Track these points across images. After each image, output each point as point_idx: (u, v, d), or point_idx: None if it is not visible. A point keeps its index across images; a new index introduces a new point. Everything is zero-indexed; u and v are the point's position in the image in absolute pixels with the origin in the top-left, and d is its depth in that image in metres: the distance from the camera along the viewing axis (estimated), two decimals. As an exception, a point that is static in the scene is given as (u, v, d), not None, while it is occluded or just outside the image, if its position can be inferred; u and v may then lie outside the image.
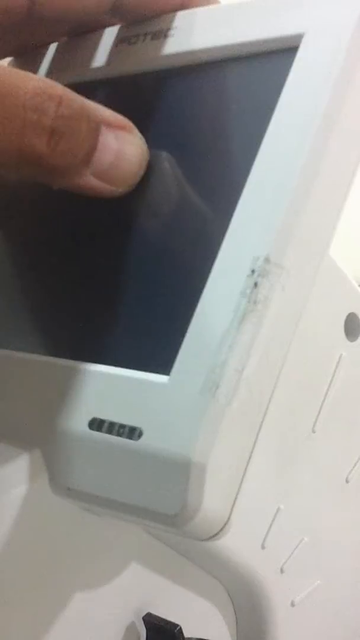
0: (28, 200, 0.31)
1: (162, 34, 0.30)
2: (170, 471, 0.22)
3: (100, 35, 0.32)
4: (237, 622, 0.31)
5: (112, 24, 0.32)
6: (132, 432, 0.23)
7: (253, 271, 0.23)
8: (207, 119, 0.28)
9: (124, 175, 0.27)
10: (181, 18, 0.29)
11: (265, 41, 0.27)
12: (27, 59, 0.34)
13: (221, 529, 0.23)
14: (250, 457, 0.23)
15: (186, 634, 0.27)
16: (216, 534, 0.23)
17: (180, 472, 0.22)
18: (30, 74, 0.25)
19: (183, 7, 0.30)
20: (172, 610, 0.28)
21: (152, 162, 0.28)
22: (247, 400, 0.23)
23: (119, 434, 0.23)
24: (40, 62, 0.34)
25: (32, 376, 0.26)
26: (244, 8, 0.28)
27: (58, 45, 0.34)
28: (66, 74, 0.33)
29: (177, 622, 0.27)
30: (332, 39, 0.25)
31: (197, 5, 0.30)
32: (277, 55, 0.26)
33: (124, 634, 0.28)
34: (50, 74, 0.33)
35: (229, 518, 0.23)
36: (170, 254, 0.26)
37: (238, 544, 0.26)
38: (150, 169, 0.28)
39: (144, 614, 0.28)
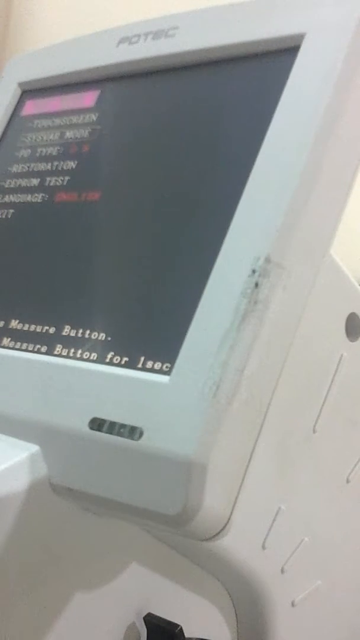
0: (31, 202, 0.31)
1: (163, 34, 0.30)
2: (171, 471, 0.22)
3: (101, 35, 0.32)
4: (237, 622, 0.31)
5: None
6: (133, 432, 0.23)
7: (254, 271, 0.23)
8: (209, 118, 0.28)
9: None
10: (182, 18, 0.29)
11: (267, 41, 0.27)
12: (28, 59, 0.34)
13: (222, 529, 0.23)
14: (251, 457, 0.23)
15: (187, 634, 0.27)
16: (217, 534, 0.23)
17: (181, 473, 0.22)
18: None
19: None
20: (173, 611, 0.28)
21: (154, 162, 0.28)
22: (248, 400, 0.23)
23: (119, 434, 0.23)
24: (41, 62, 0.34)
25: (33, 376, 0.26)
26: (245, 8, 0.28)
27: (59, 45, 0.34)
28: (67, 73, 0.33)
29: (177, 622, 0.27)
30: (333, 38, 0.25)
31: None
32: (279, 55, 0.26)
33: (124, 633, 0.28)
34: (51, 74, 0.33)
35: (229, 518, 0.23)
36: (171, 254, 0.26)
37: (239, 544, 0.26)
38: (152, 168, 0.28)
39: (144, 614, 0.28)
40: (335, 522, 0.30)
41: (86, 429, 0.24)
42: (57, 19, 0.76)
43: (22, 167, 0.32)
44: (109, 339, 0.26)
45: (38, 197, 0.31)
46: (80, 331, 0.27)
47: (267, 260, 0.23)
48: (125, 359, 0.25)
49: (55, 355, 0.27)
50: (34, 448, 0.25)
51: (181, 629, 0.27)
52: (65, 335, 0.27)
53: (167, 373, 0.23)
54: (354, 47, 0.24)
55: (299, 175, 0.23)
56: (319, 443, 0.28)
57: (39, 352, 0.27)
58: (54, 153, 0.31)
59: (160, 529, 0.24)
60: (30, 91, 0.34)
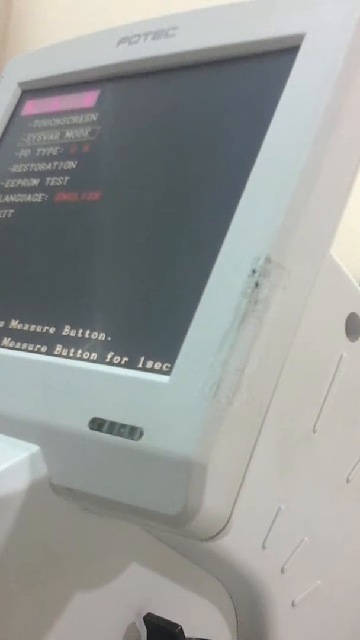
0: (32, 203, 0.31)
1: (163, 34, 0.30)
2: (171, 471, 0.22)
3: (101, 35, 0.32)
4: (237, 622, 0.31)
5: None
6: (133, 432, 0.23)
7: (254, 271, 0.23)
8: (209, 118, 0.28)
9: None
10: (182, 18, 0.29)
11: (267, 41, 0.27)
12: (28, 59, 0.34)
13: (222, 529, 0.23)
14: (251, 457, 0.23)
15: (187, 634, 0.27)
16: (217, 534, 0.23)
17: (181, 473, 0.22)
18: None
19: None
20: (173, 610, 0.28)
21: (154, 162, 0.28)
22: (248, 400, 0.23)
23: (119, 434, 0.23)
24: (41, 62, 0.34)
25: (33, 376, 0.26)
26: (245, 8, 0.28)
27: (59, 45, 0.34)
28: (67, 73, 0.33)
29: (177, 622, 0.27)
30: (333, 38, 0.25)
31: None
32: (279, 55, 0.26)
33: (124, 633, 0.28)
34: (51, 74, 0.33)
35: (229, 518, 0.23)
36: (171, 253, 0.26)
37: (239, 544, 0.26)
38: (152, 168, 0.28)
39: (144, 614, 0.28)
40: (335, 522, 0.30)
41: (86, 429, 0.24)
42: (57, 19, 0.76)
43: (22, 167, 0.32)
44: (109, 339, 0.26)
45: (38, 197, 0.31)
46: (80, 331, 0.27)
47: (267, 260, 0.23)
48: (125, 359, 0.25)
49: (55, 355, 0.27)
50: (34, 448, 0.25)
51: (181, 629, 0.27)
52: (65, 335, 0.27)
53: (167, 373, 0.23)
54: (354, 47, 0.24)
55: (299, 174, 0.23)
56: (319, 443, 0.28)
57: (39, 352, 0.27)
58: (54, 153, 0.31)
59: (160, 529, 0.24)
60: (30, 91, 0.34)
